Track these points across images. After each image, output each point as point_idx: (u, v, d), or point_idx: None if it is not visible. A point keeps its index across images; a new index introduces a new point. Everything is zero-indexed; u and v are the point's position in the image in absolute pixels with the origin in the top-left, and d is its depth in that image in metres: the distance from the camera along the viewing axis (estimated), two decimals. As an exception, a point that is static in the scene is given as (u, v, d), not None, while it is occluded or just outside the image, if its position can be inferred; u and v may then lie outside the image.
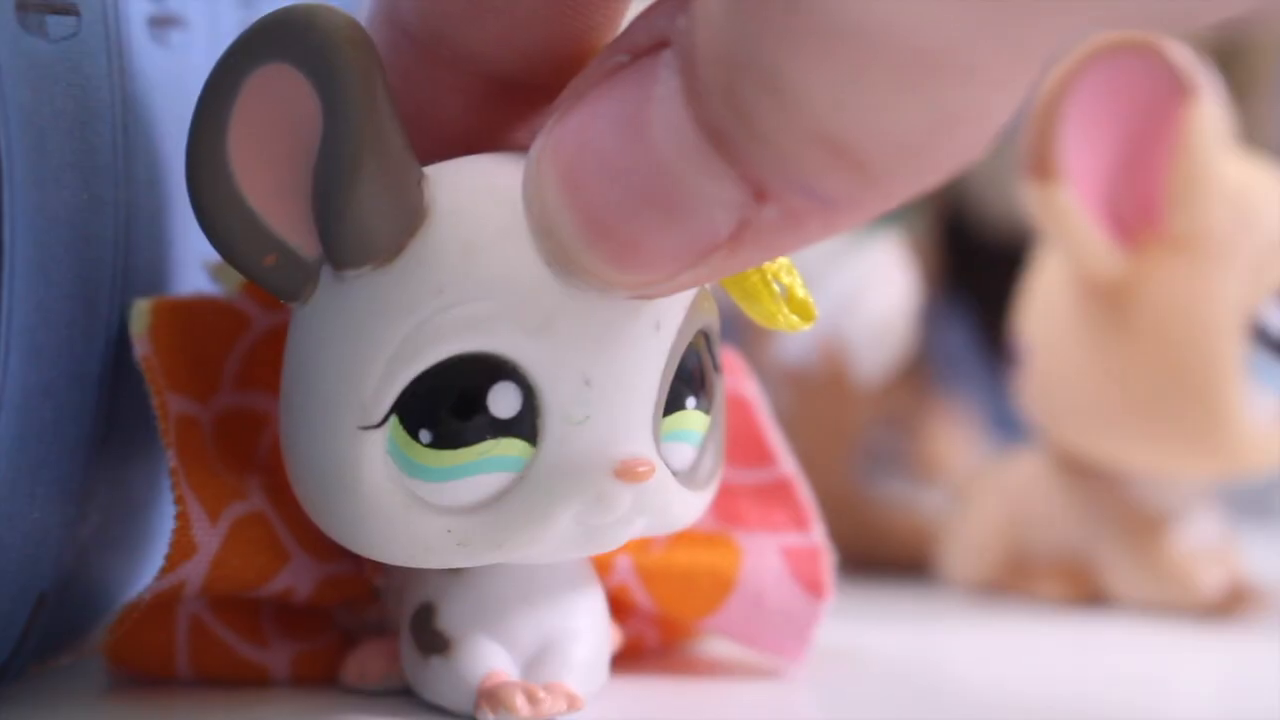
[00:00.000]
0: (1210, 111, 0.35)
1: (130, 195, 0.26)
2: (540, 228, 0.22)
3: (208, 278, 0.28)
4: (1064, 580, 0.38)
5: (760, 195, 0.21)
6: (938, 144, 0.20)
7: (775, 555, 0.28)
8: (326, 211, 0.23)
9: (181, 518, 0.25)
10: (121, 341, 0.26)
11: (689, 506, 0.25)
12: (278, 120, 0.23)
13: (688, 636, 0.30)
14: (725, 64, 0.20)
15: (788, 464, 0.29)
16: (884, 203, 0.21)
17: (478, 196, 0.23)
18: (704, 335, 0.25)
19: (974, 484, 0.41)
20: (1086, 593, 0.38)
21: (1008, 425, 0.45)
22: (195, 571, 0.25)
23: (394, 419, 0.23)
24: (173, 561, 0.25)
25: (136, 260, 0.27)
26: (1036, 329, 0.38)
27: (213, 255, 0.25)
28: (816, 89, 0.19)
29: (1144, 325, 0.36)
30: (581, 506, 0.23)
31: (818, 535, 0.28)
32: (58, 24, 0.24)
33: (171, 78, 0.28)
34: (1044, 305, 0.38)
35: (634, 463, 0.23)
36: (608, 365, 0.23)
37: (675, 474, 0.25)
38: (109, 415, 0.26)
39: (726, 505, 0.28)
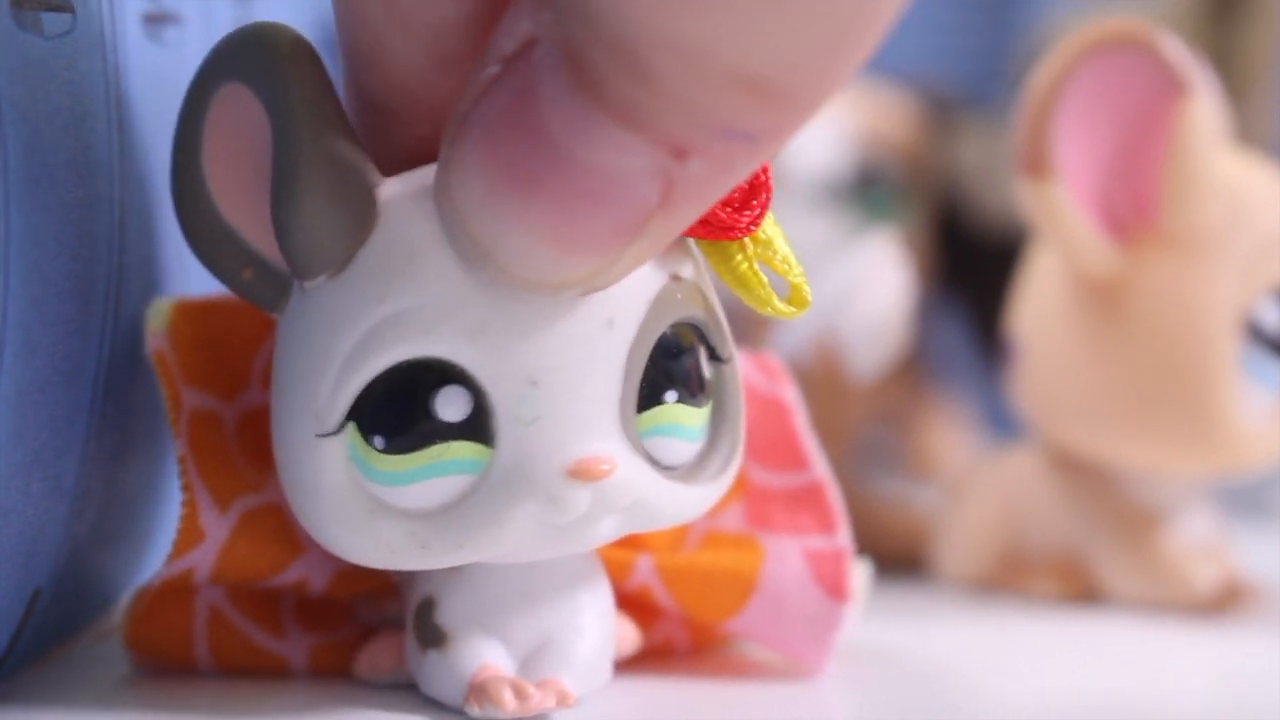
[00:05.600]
0: (1205, 108, 0.35)
1: (125, 192, 0.26)
2: (474, 254, 0.23)
3: (202, 273, 0.28)
4: (1058, 577, 0.38)
5: (679, 152, 0.21)
6: (844, 45, 0.20)
7: (798, 558, 0.28)
8: (278, 225, 0.23)
9: (189, 505, 0.26)
10: (117, 338, 0.26)
11: (686, 502, 0.25)
12: (242, 138, 0.24)
13: (718, 640, 0.30)
14: (615, 42, 0.20)
15: (820, 468, 0.29)
16: (804, 119, 0.21)
17: (420, 202, 0.23)
18: (692, 328, 0.25)
19: (968, 481, 0.41)
20: (1081, 590, 0.38)
21: (1002, 422, 0.45)
22: (204, 559, 0.26)
23: (352, 426, 0.23)
24: (180, 548, 0.26)
25: (132, 257, 0.27)
26: (1031, 326, 0.38)
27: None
28: (723, 36, 0.19)
29: (1138, 322, 0.36)
30: (537, 507, 0.23)
31: (843, 539, 0.28)
32: (53, 21, 0.24)
33: (166, 75, 0.28)
34: (1038, 302, 0.38)
35: (589, 462, 0.23)
36: (553, 365, 0.23)
37: (667, 469, 0.25)
38: (104, 412, 0.26)
39: (757, 508, 0.28)
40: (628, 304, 0.24)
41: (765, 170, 0.24)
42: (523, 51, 0.21)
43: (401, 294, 0.23)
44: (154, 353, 0.26)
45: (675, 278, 0.24)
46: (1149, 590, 0.37)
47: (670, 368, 0.24)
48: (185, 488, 0.26)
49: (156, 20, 0.28)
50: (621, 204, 0.21)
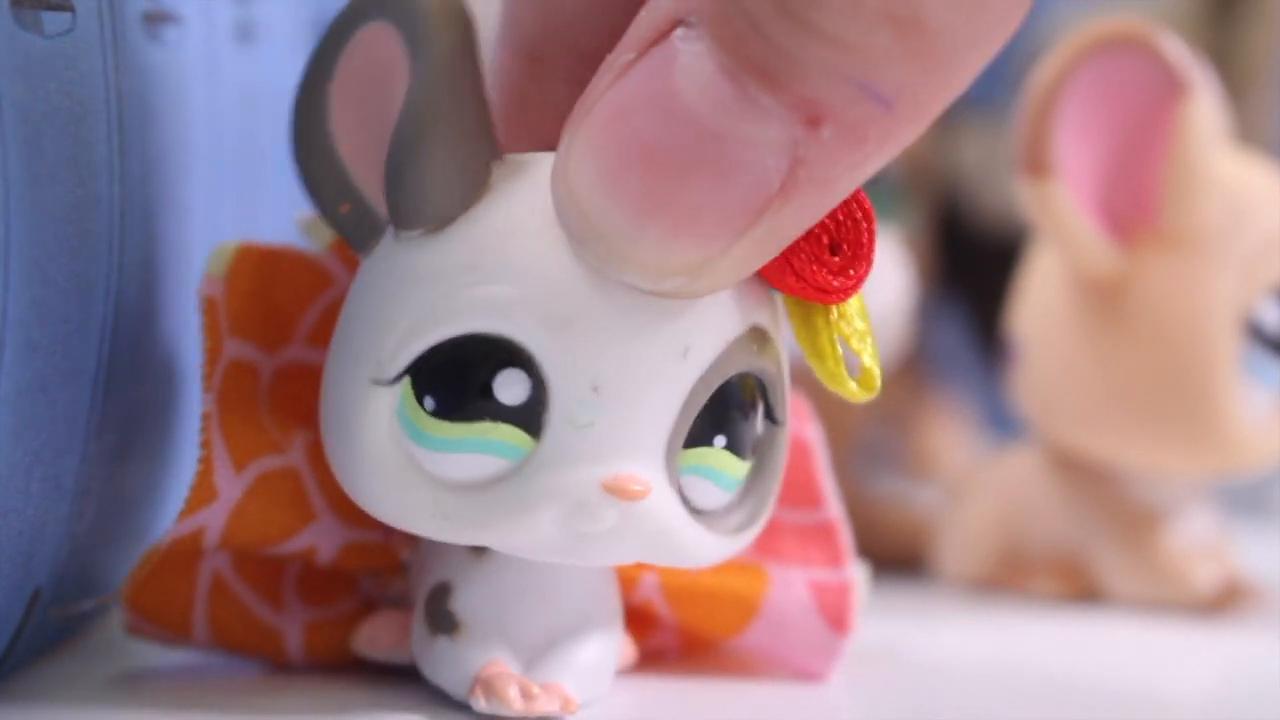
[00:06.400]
0: (1205, 108, 0.35)
1: (125, 192, 0.26)
2: (583, 235, 0.22)
3: (203, 272, 0.28)
4: (1059, 577, 0.38)
5: (814, 118, 0.21)
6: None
7: (803, 587, 0.28)
8: (391, 170, 0.23)
9: (205, 462, 0.26)
10: (117, 338, 0.26)
11: (704, 547, 0.25)
12: (377, 77, 0.24)
13: (709, 651, 0.30)
14: None
15: (835, 507, 0.29)
16: (942, 92, 0.21)
17: (535, 185, 0.23)
18: (756, 381, 0.24)
19: (969, 480, 0.41)
20: (1081, 589, 0.38)
21: (1003, 422, 0.45)
22: (215, 519, 0.26)
23: (406, 381, 0.23)
24: (192, 505, 0.26)
25: (132, 257, 0.27)
26: (1031, 326, 0.38)
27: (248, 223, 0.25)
28: None
29: (1139, 322, 0.36)
30: (564, 509, 0.23)
31: (849, 574, 0.28)
32: (53, 20, 0.24)
33: (166, 74, 0.28)
34: (1039, 302, 0.38)
35: (625, 479, 0.23)
36: (621, 378, 0.23)
37: (695, 511, 0.24)
38: (104, 412, 0.26)
39: (767, 541, 0.28)
40: (706, 339, 0.24)
41: (871, 240, 0.24)
42: (662, 36, 0.21)
43: (492, 268, 0.23)
44: (204, 299, 0.26)
45: (756, 329, 0.24)
46: (1149, 590, 0.37)
47: (727, 413, 0.24)
48: (204, 444, 0.26)
49: (156, 20, 0.28)
50: (744, 179, 0.21)
